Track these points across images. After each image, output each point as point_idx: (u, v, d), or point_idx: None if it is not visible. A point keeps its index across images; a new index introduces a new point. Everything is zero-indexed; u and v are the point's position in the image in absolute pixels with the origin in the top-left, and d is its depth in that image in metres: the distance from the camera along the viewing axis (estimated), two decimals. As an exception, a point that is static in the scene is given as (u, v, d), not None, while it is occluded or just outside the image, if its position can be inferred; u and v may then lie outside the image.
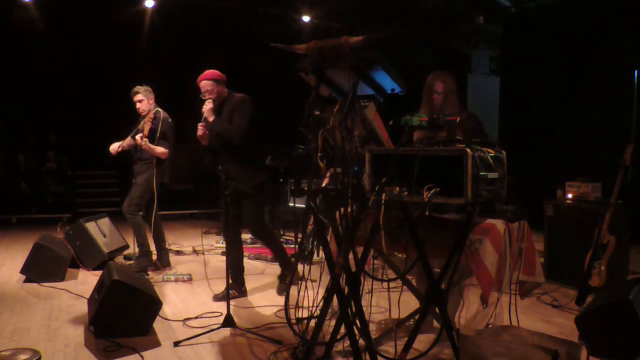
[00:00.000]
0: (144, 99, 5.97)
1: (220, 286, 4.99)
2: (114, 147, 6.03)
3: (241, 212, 4.95)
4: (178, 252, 7.13)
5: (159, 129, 5.86)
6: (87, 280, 5.61)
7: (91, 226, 6.27)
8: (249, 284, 5.25)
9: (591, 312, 3.56)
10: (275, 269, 5.95)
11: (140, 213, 5.96)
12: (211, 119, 4.78)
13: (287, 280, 5.02)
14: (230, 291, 5.00)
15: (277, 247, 5.22)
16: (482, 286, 3.08)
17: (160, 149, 5.87)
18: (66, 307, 4.72)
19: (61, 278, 5.56)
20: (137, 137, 5.80)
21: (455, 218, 3.11)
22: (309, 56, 3.06)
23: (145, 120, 5.91)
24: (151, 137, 5.84)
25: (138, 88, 6.01)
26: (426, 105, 4.00)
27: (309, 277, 3.18)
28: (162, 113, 5.96)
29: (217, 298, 4.90)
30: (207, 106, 4.78)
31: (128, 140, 6.00)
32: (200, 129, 4.84)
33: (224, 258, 4.95)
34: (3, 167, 11.13)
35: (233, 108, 4.81)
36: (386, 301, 3.28)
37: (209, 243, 7.86)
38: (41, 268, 5.52)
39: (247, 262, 6.53)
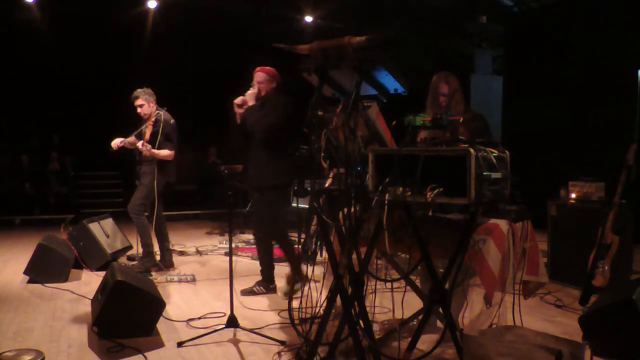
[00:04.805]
0: (144, 103, 5.96)
1: (224, 287, 4.98)
2: (116, 142, 5.98)
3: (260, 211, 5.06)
4: (181, 253, 7.14)
5: (160, 132, 5.86)
6: (90, 280, 5.62)
7: (94, 227, 6.27)
8: (252, 285, 5.22)
9: (595, 312, 3.55)
10: (277, 269, 5.93)
11: (146, 213, 5.96)
12: (250, 103, 4.84)
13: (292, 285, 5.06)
14: (258, 288, 5.11)
15: (290, 250, 5.20)
16: (485, 286, 3.08)
17: (164, 152, 5.86)
18: (70, 307, 4.73)
19: (65, 279, 5.57)
20: (139, 144, 5.79)
21: (458, 218, 3.09)
22: (312, 57, 3.05)
23: (147, 125, 5.91)
24: (153, 141, 5.84)
25: (138, 92, 5.97)
26: (432, 107, 3.95)
27: (312, 278, 3.18)
28: (164, 115, 5.94)
29: (244, 292, 5.09)
30: (251, 90, 4.87)
31: (131, 139, 5.98)
32: (238, 100, 4.86)
33: (227, 258, 4.93)
34: (6, 168, 11.15)
35: (271, 106, 4.90)
36: (390, 301, 3.28)
37: (212, 243, 7.86)
38: (45, 269, 5.53)
39: (249, 262, 6.56)
